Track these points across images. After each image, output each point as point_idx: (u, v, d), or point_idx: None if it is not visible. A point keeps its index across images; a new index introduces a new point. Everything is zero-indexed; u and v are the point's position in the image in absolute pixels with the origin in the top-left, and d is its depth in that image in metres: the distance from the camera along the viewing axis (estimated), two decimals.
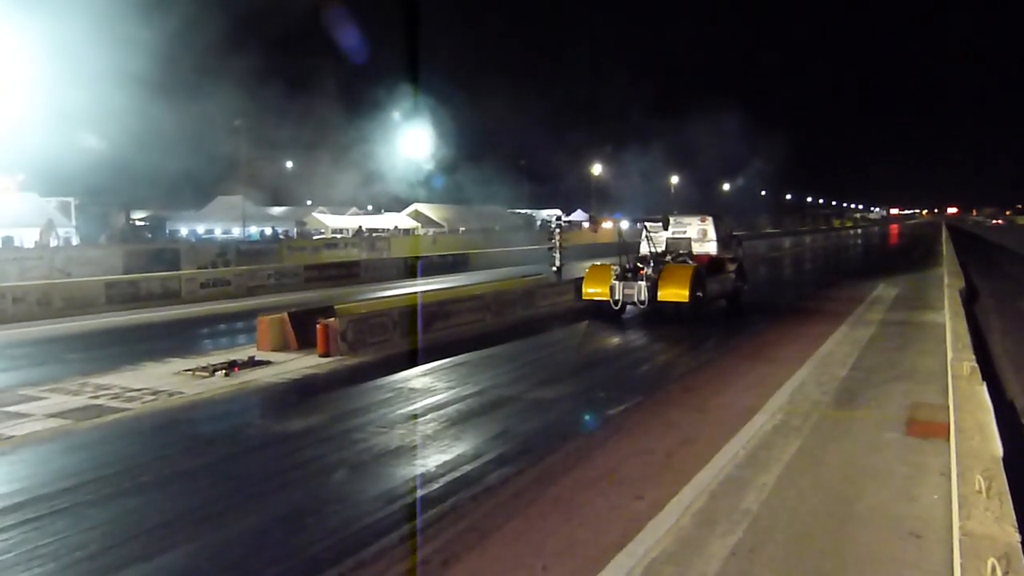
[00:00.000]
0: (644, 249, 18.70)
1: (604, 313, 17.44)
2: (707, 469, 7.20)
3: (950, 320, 13.18)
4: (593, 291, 17.62)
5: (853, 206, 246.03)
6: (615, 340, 15.76)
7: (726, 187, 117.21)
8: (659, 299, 16.73)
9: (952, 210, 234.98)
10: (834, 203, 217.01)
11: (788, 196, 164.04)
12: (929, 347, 13.30)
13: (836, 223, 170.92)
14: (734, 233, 21.62)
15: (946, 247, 39.44)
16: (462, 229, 58.35)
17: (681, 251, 19.04)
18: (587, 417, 9.63)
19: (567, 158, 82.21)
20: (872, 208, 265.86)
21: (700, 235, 19.45)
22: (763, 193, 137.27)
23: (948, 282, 20.36)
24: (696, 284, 16.89)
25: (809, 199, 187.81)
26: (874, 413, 9.25)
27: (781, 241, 78.57)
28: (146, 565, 5.49)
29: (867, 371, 11.57)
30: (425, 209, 65.34)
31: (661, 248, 19.17)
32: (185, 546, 5.82)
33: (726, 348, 14.56)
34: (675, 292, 16.59)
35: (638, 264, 17.78)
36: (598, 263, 18.46)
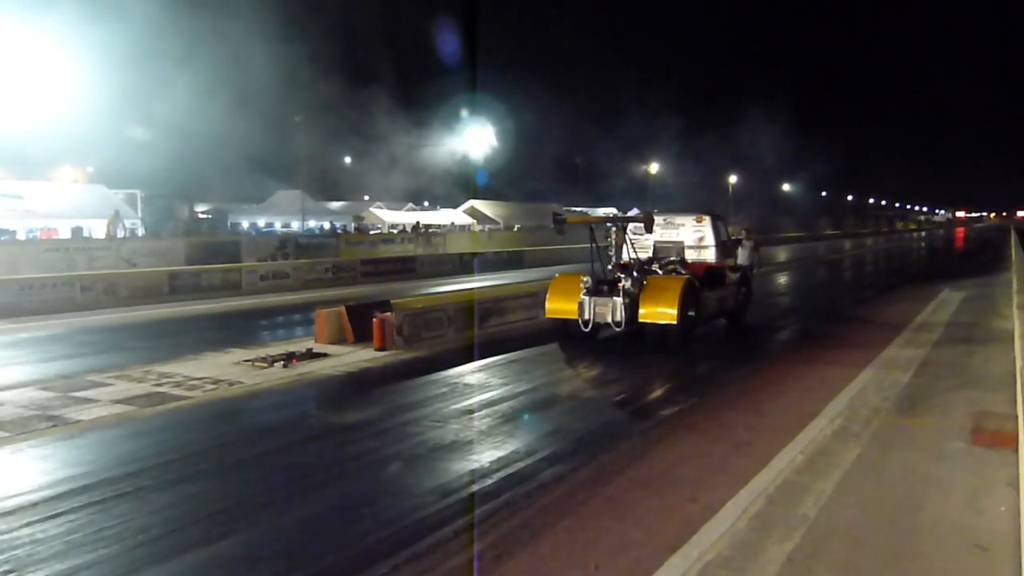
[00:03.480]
0: (627, 256, 15.16)
1: (572, 335, 14.08)
2: (764, 473, 7.08)
3: (1019, 326, 12.77)
4: (557, 308, 14.22)
5: (917, 208, 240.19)
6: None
7: (786, 187, 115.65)
8: (640, 319, 13.51)
9: (1022, 213, 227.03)
10: (897, 205, 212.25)
11: (849, 197, 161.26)
12: (996, 355, 12.88)
13: (899, 225, 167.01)
14: (750, 234, 19.15)
15: (1015, 251, 38.21)
16: (517, 226, 58.40)
17: (672, 258, 15.68)
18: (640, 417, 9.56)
19: (623, 156, 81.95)
20: (937, 210, 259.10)
21: (696, 239, 16.15)
22: (824, 194, 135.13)
23: (1017, 287, 19.73)
24: (687, 301, 13.60)
25: (871, 200, 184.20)
26: (938, 421, 9.00)
27: (842, 243, 77.14)
28: (206, 550, 5.61)
29: (931, 377, 11.25)
30: (481, 206, 65.62)
31: (647, 254, 15.84)
32: (243, 533, 5.94)
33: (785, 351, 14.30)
34: (660, 311, 13.32)
35: (619, 274, 14.37)
36: (568, 272, 15.15)
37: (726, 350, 14.38)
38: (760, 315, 18.25)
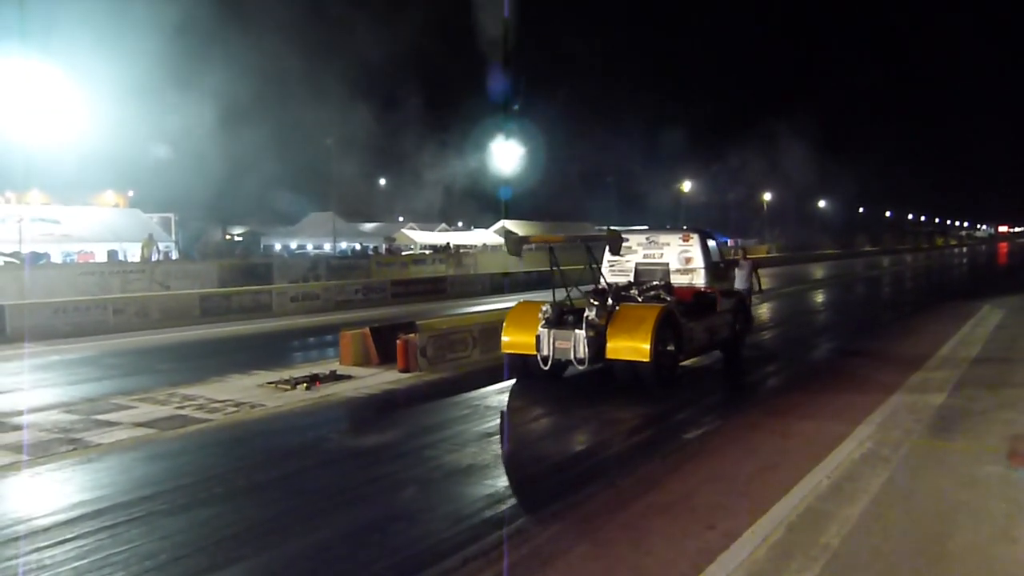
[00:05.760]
0: (605, 280, 13.56)
1: (532, 373, 12.34)
2: (787, 499, 6.86)
3: None
4: (513, 342, 12.44)
5: (958, 223, 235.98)
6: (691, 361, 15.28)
7: (822, 204, 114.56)
8: (607, 356, 11.64)
9: None
10: (937, 220, 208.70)
11: (887, 213, 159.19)
12: None
13: (939, 241, 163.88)
14: (747, 256, 17.58)
15: None
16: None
17: (655, 282, 14.00)
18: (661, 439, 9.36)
19: (656, 175, 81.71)
20: (979, 225, 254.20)
21: (683, 260, 14.39)
22: (860, 210, 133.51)
23: None
24: (664, 333, 11.69)
25: (910, 216, 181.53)
26: (972, 444, 8.69)
27: (880, 260, 76.05)
28: None
29: (965, 399, 10.91)
30: (512, 226, 65.58)
31: (628, 278, 14.32)
32: (251, 559, 5.86)
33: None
34: (629, 346, 11.40)
35: (592, 301, 12.21)
36: (529, 300, 13.41)
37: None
38: (796, 333, 17.90)
